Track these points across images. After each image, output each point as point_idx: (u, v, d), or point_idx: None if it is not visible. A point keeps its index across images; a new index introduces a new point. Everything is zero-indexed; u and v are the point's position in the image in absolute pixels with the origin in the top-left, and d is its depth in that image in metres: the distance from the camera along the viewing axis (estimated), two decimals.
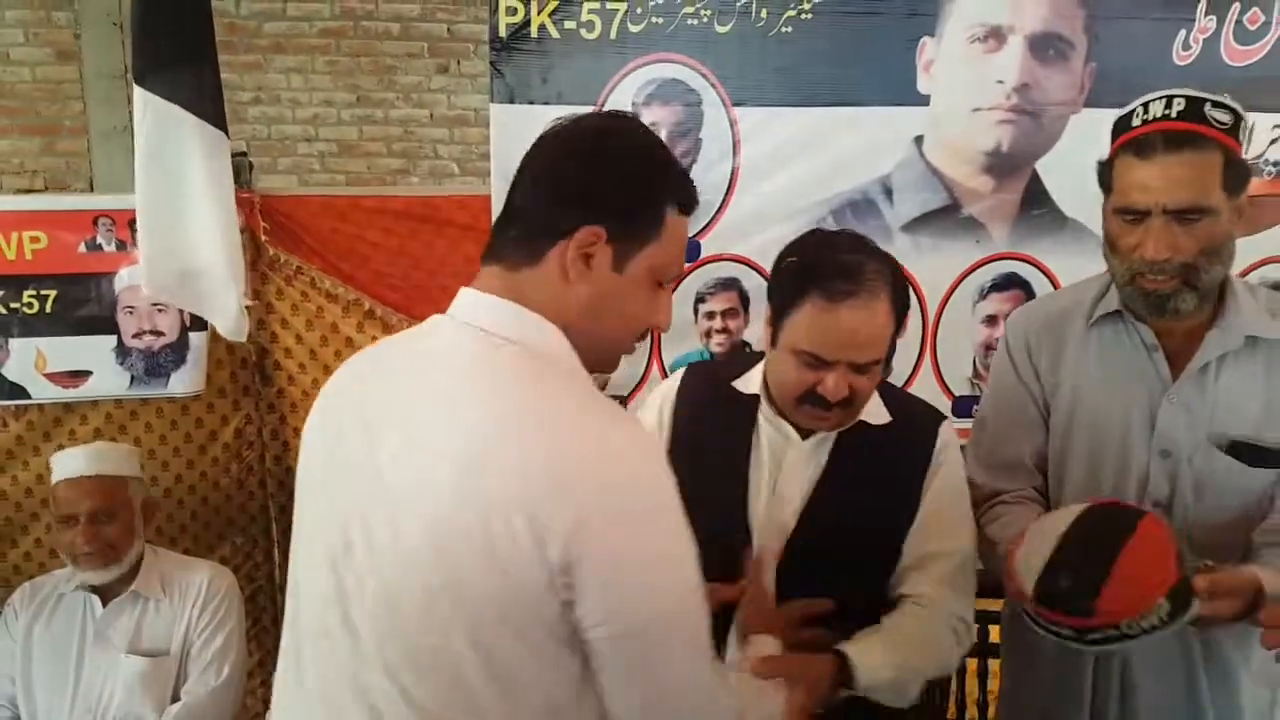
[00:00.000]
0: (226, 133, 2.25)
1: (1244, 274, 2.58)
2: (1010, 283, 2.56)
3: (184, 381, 2.55)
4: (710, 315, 2.57)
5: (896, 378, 2.64)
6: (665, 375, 2.56)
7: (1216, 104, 1.39)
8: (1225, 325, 1.46)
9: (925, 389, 2.59)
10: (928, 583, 1.41)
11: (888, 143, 2.47)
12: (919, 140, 2.47)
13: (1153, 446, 1.50)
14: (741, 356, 2.40)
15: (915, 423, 1.49)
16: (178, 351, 2.53)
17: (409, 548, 0.91)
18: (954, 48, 2.41)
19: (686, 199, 1.06)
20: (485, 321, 0.98)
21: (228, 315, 2.33)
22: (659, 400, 1.58)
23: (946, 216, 2.52)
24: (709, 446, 1.48)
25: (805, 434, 1.45)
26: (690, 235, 2.53)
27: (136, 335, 2.52)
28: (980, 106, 2.43)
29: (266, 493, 2.75)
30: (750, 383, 1.51)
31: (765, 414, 1.47)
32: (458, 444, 0.90)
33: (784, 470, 1.44)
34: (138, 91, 2.12)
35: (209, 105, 2.20)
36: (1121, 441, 1.53)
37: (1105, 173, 1.48)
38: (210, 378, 2.59)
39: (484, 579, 0.88)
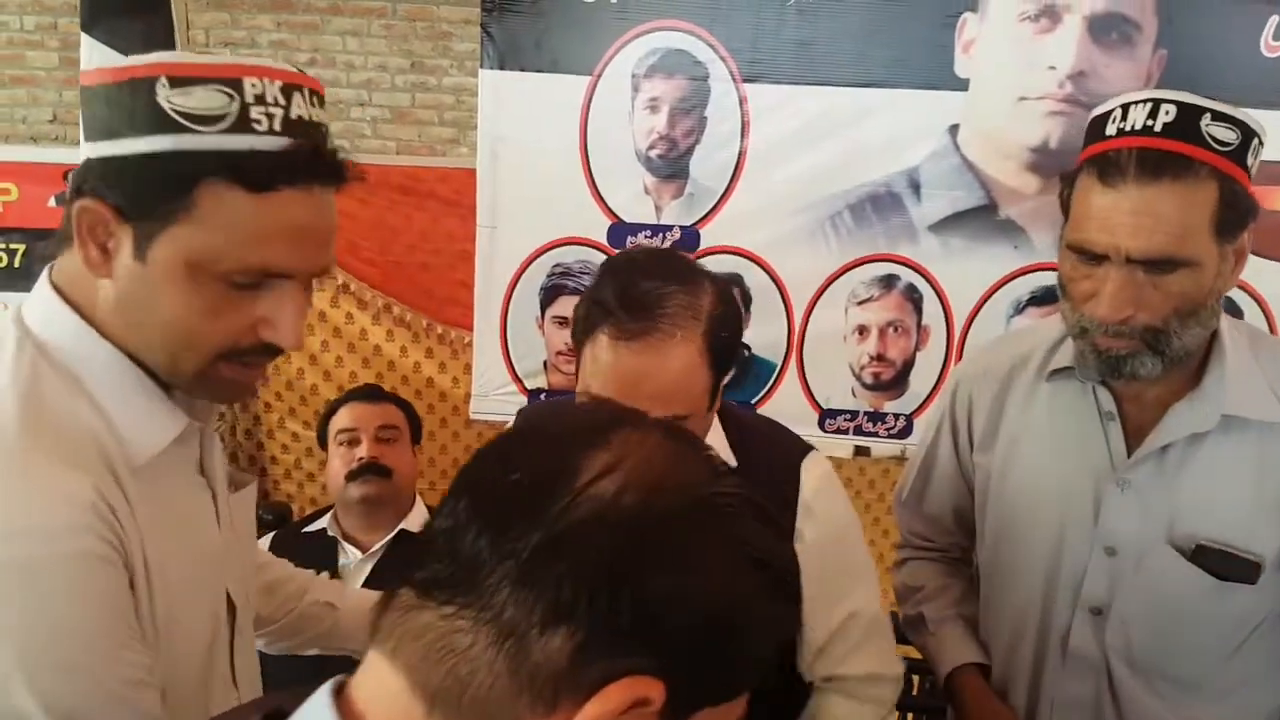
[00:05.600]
0: None
1: None
2: (1053, 296, 2.24)
3: None
4: None
5: (914, 397, 2.38)
6: None
7: (1219, 116, 1.03)
8: (1198, 397, 1.11)
9: None
10: (846, 662, 1.17)
11: (918, 131, 2.21)
12: (954, 130, 2.19)
13: (1095, 539, 1.19)
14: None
15: (769, 465, 1.20)
16: None
17: None
18: (1000, 26, 2.12)
19: (237, 169, 0.73)
20: (30, 317, 0.79)
21: None
22: None
23: (981, 217, 2.24)
24: None
25: None
26: (689, 224, 2.39)
27: None
28: (1027, 95, 2.15)
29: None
30: None
31: None
32: None
33: None
34: (84, 40, 2.01)
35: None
36: (1059, 527, 1.22)
37: (1065, 191, 1.13)
38: None
39: None
